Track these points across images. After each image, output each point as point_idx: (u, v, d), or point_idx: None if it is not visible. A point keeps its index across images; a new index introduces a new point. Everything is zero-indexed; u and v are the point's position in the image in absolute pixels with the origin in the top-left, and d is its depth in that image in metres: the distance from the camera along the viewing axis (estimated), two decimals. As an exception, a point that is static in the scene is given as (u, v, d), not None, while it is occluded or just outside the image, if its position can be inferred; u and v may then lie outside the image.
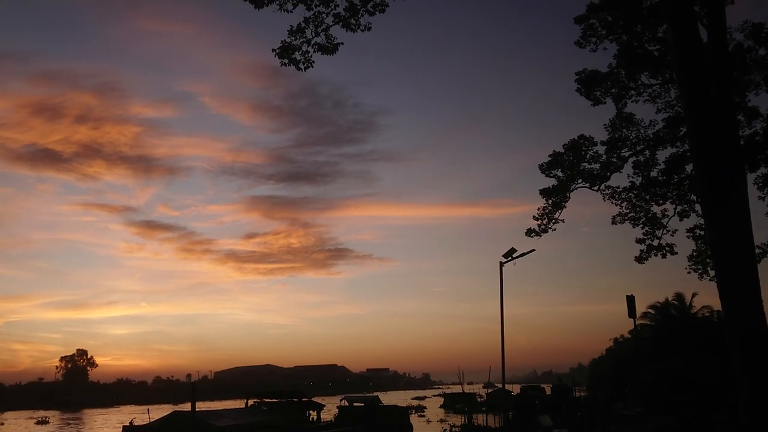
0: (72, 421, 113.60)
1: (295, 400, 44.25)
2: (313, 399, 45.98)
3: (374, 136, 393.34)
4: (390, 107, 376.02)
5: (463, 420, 57.10)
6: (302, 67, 17.23)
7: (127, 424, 38.62)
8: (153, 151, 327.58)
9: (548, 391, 71.17)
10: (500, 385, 52.97)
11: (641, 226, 25.60)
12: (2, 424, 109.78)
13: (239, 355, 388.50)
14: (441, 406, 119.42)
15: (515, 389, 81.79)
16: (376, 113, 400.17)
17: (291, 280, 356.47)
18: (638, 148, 24.77)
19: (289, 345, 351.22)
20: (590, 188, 24.84)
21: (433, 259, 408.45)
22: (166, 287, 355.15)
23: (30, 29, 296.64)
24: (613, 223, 25.69)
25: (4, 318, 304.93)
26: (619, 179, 24.97)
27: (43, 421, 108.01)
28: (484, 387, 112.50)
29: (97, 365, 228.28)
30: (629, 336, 71.29)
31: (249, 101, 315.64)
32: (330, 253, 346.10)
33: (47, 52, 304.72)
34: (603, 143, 24.70)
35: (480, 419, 53.16)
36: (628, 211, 25.68)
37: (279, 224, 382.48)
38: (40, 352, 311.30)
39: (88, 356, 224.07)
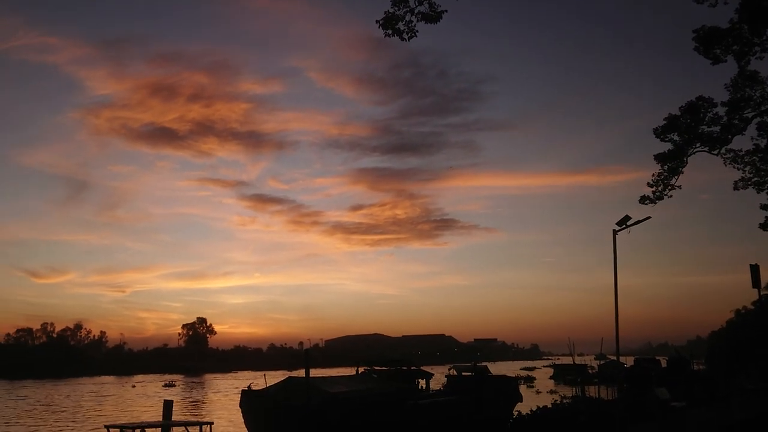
0: (195, 385, 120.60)
1: (405, 368, 44.91)
2: (421, 368, 46.50)
3: (479, 104, 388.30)
4: (495, 75, 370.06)
5: (574, 391, 56.30)
6: (406, 37, 17.18)
7: (245, 388, 40.43)
8: (262, 127, 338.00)
9: (663, 364, 68.81)
10: (613, 357, 51.70)
11: (767, 191, 24.16)
12: (134, 386, 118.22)
13: (348, 324, 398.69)
14: (551, 377, 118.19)
15: (628, 361, 79.64)
16: (481, 81, 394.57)
17: (397, 251, 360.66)
18: (763, 108, 23.24)
19: (396, 315, 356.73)
20: (709, 152, 23.60)
21: (540, 229, 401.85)
22: (277, 258, 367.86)
23: (147, 13, 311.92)
24: (735, 188, 24.33)
25: (131, 288, 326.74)
26: (742, 142, 23.56)
27: (170, 384, 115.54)
28: (595, 359, 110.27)
29: (215, 333, 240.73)
30: (752, 308, 67.77)
31: (353, 74, 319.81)
32: (436, 224, 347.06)
33: (162, 34, 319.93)
34: (723, 104, 23.33)
35: (592, 391, 52.26)
36: (751, 175, 24.22)
37: (384, 196, 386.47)
38: (164, 319, 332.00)
39: (208, 324, 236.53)
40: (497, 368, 67.36)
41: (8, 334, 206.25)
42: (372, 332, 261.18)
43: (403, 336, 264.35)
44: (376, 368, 45.61)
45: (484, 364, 54.75)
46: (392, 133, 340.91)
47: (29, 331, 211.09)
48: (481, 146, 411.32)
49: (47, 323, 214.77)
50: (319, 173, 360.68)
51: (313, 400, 34.35)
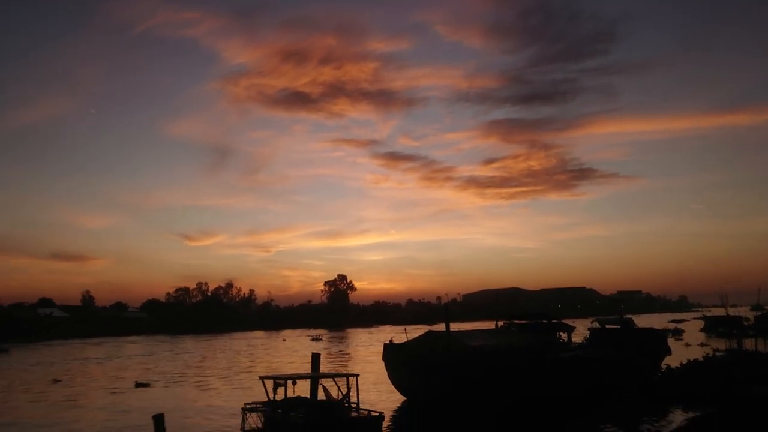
0: (338, 339, 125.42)
1: (545, 321, 44.25)
2: (562, 321, 45.55)
3: (615, 46, 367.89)
4: (630, 12, 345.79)
5: (728, 345, 53.23)
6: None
7: (387, 341, 41.42)
8: (391, 85, 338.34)
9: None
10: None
11: None
12: (284, 340, 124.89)
13: (485, 279, 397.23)
14: (701, 330, 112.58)
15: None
16: (616, 21, 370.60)
17: (533, 204, 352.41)
18: None
19: (534, 268, 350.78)
20: None
21: (686, 174, 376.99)
22: (411, 215, 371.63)
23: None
24: None
25: (275, 248, 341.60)
26: None
27: (317, 339, 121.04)
28: (751, 310, 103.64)
29: (355, 289, 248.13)
30: None
31: (480, 25, 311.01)
32: (572, 174, 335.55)
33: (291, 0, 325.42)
34: None
35: (749, 344, 49.21)
36: None
37: (518, 147, 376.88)
38: (306, 277, 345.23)
39: (348, 281, 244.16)
40: (642, 321, 65.09)
41: (168, 293, 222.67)
42: (509, 286, 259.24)
43: (541, 289, 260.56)
44: (516, 322, 45.23)
45: (628, 316, 52.70)
46: (523, 82, 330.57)
47: (186, 290, 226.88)
48: (619, 90, 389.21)
49: (202, 283, 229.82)
50: (450, 128, 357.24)
51: (454, 353, 34.67)
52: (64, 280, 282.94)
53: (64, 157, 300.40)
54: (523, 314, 46.87)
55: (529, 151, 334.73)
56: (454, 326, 36.73)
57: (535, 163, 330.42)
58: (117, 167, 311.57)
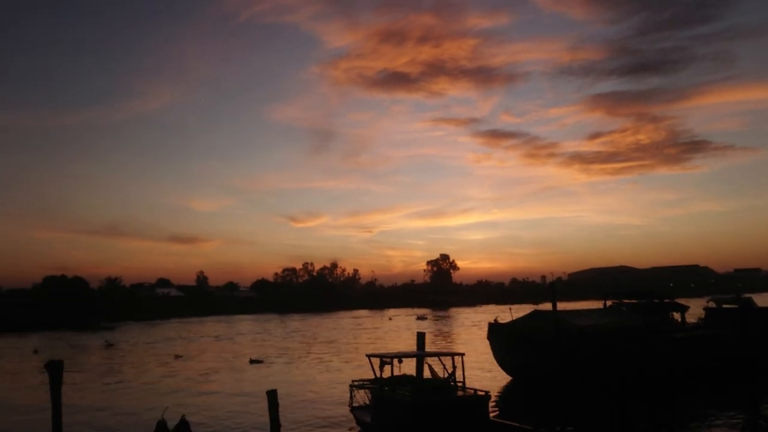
0: (442, 318, 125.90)
1: (656, 300, 42.65)
2: (675, 300, 43.74)
3: (730, 9, 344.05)
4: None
5: None
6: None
7: (492, 321, 41.24)
8: (491, 61, 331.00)
9: None
10: None
11: None
12: (390, 319, 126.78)
13: (590, 257, 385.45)
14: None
15: None
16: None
17: (641, 179, 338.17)
18: None
19: (643, 245, 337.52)
20: None
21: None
22: (513, 193, 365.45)
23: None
24: None
25: (378, 228, 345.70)
26: None
27: (422, 318, 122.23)
28: None
29: (458, 268, 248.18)
30: None
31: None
32: (684, 147, 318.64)
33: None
34: None
35: None
36: None
37: (624, 121, 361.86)
38: (409, 256, 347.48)
39: (450, 260, 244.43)
40: (763, 300, 61.71)
41: (276, 274, 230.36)
42: (617, 264, 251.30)
43: (651, 267, 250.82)
44: (625, 301, 43.86)
45: (747, 295, 49.92)
46: (629, 52, 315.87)
47: (293, 270, 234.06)
48: (735, 56, 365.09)
49: (308, 263, 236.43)
50: (553, 103, 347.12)
51: (561, 332, 34.12)
52: (180, 261, 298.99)
53: (177, 144, 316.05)
54: (633, 293, 45.28)
55: (637, 125, 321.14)
56: (560, 305, 36.07)
57: (643, 137, 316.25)
58: (226, 153, 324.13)
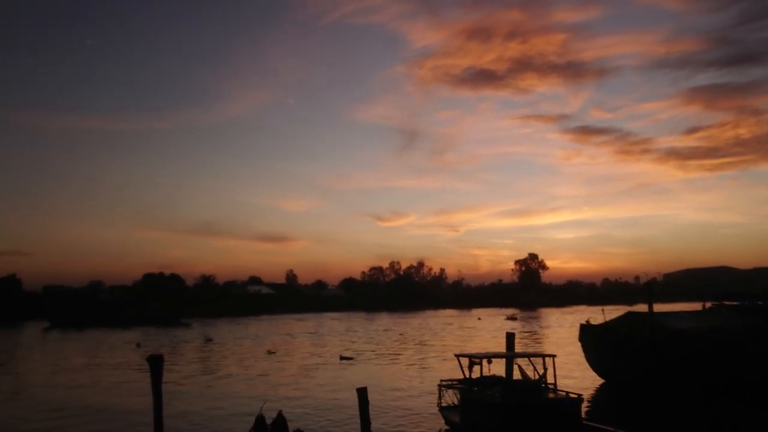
0: (531, 319, 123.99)
1: (760, 303, 40.65)
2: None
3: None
4: None
5: None
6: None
7: (584, 322, 40.38)
8: (581, 56, 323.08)
9: None
10: None
11: None
12: (479, 319, 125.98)
13: (687, 257, 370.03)
14: None
15: None
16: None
17: (743, 175, 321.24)
18: None
19: (744, 245, 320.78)
20: None
21: None
22: (605, 191, 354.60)
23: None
24: None
25: (464, 227, 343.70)
26: None
27: (512, 318, 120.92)
28: None
29: (547, 268, 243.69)
30: None
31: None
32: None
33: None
34: None
35: None
36: None
37: (724, 115, 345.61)
38: (496, 256, 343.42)
39: (539, 260, 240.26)
40: None
41: (363, 272, 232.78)
42: (716, 264, 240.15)
43: (753, 268, 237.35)
44: (726, 303, 42.01)
45: None
46: (729, 43, 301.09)
47: (380, 269, 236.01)
48: None
49: (394, 262, 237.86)
50: (647, 97, 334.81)
51: (657, 335, 33.03)
52: (269, 260, 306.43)
53: (267, 145, 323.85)
54: (734, 294, 43.35)
55: (738, 118, 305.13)
56: (656, 307, 34.85)
57: (744, 131, 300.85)
58: (314, 153, 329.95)
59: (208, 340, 75.30)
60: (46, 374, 44.70)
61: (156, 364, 17.61)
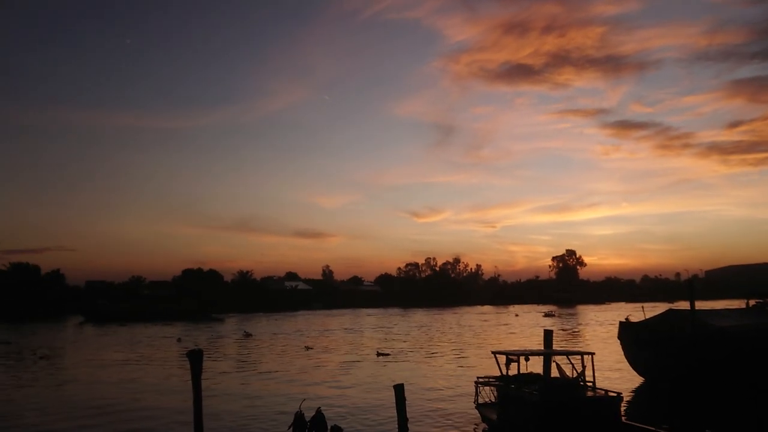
0: (569, 316, 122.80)
1: (808, 301, 39.64)
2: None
3: None
4: None
5: None
6: None
7: (623, 320, 39.94)
8: (620, 49, 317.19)
9: None
10: None
11: None
12: (517, 315, 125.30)
13: (730, 254, 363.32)
14: None
15: None
16: None
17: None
18: None
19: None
20: None
21: None
22: (645, 186, 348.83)
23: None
24: None
25: (501, 223, 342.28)
26: None
27: (549, 314, 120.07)
28: None
29: (585, 264, 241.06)
30: None
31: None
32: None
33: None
34: None
35: None
36: None
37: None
38: (533, 252, 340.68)
39: (577, 256, 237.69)
40: None
41: (399, 268, 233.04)
42: (760, 261, 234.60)
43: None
44: (772, 301, 41.06)
45: None
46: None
47: (416, 265, 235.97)
48: None
49: (430, 258, 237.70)
50: (688, 91, 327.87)
51: (700, 333, 32.48)
52: (306, 256, 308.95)
53: (304, 141, 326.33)
54: (781, 292, 42.27)
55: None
56: (698, 304, 34.27)
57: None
58: (350, 149, 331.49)
59: (248, 335, 76.31)
60: (88, 368, 45.72)
61: (196, 359, 17.87)
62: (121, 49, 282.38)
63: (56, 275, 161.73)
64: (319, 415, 18.11)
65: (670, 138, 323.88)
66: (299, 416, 18.29)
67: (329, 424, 18.10)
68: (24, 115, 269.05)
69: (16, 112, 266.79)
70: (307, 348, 58.53)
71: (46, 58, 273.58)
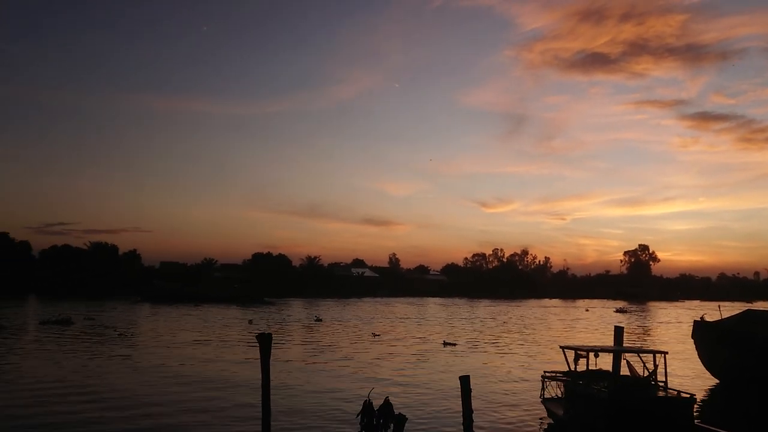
0: (640, 312, 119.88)
1: None
2: None
3: None
4: None
5: None
6: None
7: (698, 319, 38.76)
8: (701, 38, 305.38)
9: None
10: None
11: None
12: (587, 310, 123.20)
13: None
14: None
15: None
16: None
17: None
18: None
19: None
20: None
21: None
22: (725, 181, 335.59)
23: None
24: None
25: (571, 215, 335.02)
26: None
27: (621, 310, 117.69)
28: None
29: (659, 260, 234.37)
30: None
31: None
32: None
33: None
34: None
35: None
36: None
37: None
38: (604, 246, 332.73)
39: (650, 251, 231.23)
40: None
41: (465, 258, 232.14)
42: None
43: None
44: None
45: None
46: None
47: (483, 256, 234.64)
48: None
49: (497, 249, 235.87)
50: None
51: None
52: (373, 243, 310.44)
53: (373, 129, 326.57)
54: None
55: None
56: (777, 306, 33.08)
57: None
58: (418, 137, 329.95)
59: (318, 320, 77.81)
60: (161, 346, 47.47)
61: (265, 342, 18.36)
62: (198, 37, 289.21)
63: (133, 255, 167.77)
64: (387, 404, 18.38)
65: (752, 131, 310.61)
66: (368, 404, 18.60)
67: (396, 413, 18.35)
68: (104, 100, 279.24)
69: (98, 98, 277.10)
70: (375, 335, 59.14)
71: (129, 46, 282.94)
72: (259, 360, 18.50)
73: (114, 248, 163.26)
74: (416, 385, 31.77)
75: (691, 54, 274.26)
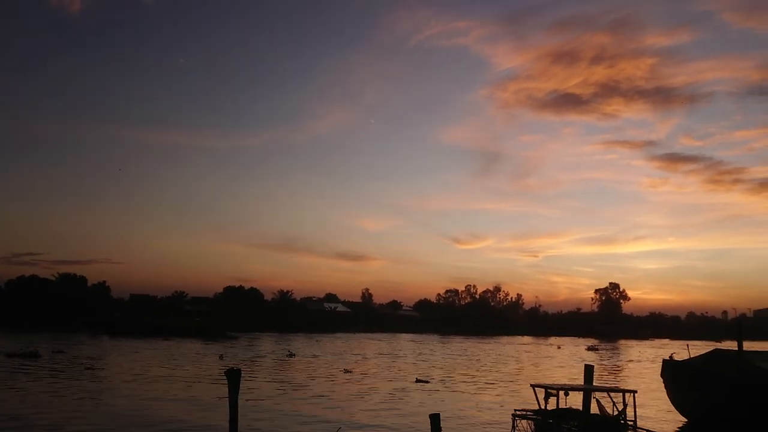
0: (610, 350, 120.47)
1: None
2: None
3: None
4: None
5: None
6: None
7: (667, 358, 39.10)
8: (670, 81, 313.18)
9: None
10: None
11: None
12: (559, 347, 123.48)
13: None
14: None
15: None
16: None
17: None
18: None
19: None
20: None
21: None
22: (693, 221, 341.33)
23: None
24: None
25: (543, 253, 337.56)
26: None
27: (593, 348, 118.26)
28: None
29: (629, 298, 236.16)
30: None
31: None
32: None
33: (558, 1, 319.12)
34: None
35: None
36: None
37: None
38: (575, 284, 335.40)
39: (621, 289, 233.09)
40: None
41: (438, 294, 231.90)
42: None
43: None
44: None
45: None
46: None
47: (455, 292, 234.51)
48: None
49: (470, 285, 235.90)
50: (740, 125, 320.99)
51: (747, 375, 31.67)
52: (347, 278, 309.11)
53: (348, 164, 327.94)
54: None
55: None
56: (745, 345, 33.41)
57: None
58: (394, 173, 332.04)
59: (291, 355, 76.92)
60: (129, 381, 46.53)
61: (234, 378, 18.21)
62: (175, 69, 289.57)
63: (102, 287, 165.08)
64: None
65: (720, 173, 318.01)
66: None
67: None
68: (76, 130, 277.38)
69: (71, 127, 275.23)
70: (346, 371, 58.62)
71: (102, 76, 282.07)
72: (227, 397, 18.31)
73: (83, 279, 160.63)
74: (387, 422, 31.51)
75: (661, 96, 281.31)
